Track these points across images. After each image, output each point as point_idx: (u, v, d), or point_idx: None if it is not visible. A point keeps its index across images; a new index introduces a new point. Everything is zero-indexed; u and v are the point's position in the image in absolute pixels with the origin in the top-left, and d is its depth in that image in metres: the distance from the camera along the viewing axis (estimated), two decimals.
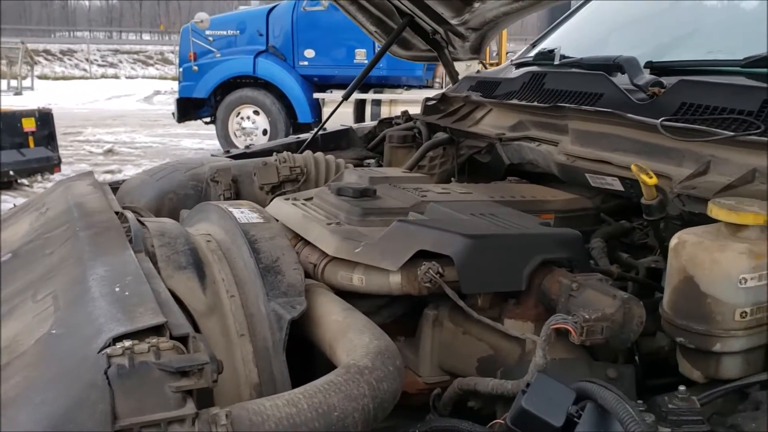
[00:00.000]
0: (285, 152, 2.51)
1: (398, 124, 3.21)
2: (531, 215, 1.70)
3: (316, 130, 3.12)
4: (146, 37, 32.43)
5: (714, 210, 1.33)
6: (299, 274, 1.47)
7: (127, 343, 1.02)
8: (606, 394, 1.04)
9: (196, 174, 2.40)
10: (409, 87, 11.29)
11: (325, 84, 11.33)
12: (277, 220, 1.86)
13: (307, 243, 1.73)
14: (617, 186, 2.01)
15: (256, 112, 11.41)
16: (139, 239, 1.49)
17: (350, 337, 1.28)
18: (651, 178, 1.52)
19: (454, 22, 3.02)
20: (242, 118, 11.45)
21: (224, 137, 11.48)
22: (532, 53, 3.23)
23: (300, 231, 1.73)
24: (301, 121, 11.30)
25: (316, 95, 11.31)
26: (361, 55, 11.06)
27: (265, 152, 2.96)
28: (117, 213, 1.68)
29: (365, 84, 11.14)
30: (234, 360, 1.36)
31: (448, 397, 1.50)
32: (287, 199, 1.96)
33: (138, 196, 2.34)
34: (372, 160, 2.99)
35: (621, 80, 2.22)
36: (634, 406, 1.02)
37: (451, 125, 2.72)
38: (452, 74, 3.36)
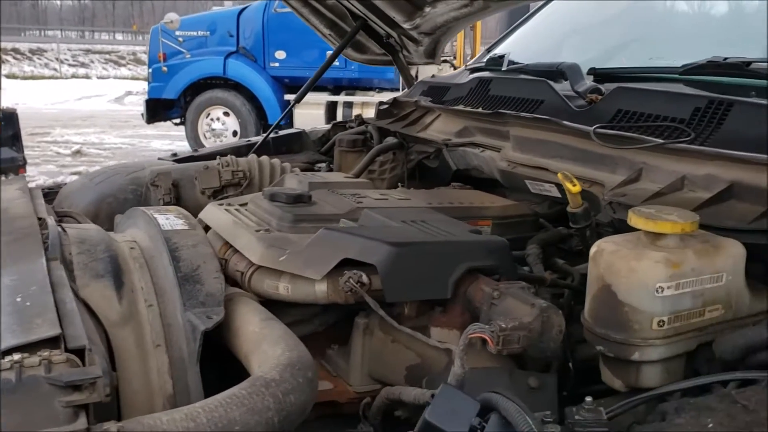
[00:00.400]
0: (229, 156, 2.48)
1: (352, 127, 3.19)
2: (462, 222, 1.69)
3: (267, 132, 3.09)
4: (119, 37, 32.14)
5: (633, 218, 1.33)
6: (219, 283, 1.44)
7: (17, 356, 0.99)
8: (508, 406, 1.03)
9: (137, 178, 2.36)
10: (381, 89, 11.27)
11: (297, 85, 11.18)
12: (209, 227, 1.84)
13: (236, 251, 1.70)
14: (554, 193, 2.00)
15: (226, 114, 11.33)
16: (56, 246, 1.45)
17: (264, 349, 1.26)
18: (575, 186, 1.52)
19: (406, 26, 3.00)
20: (212, 120, 11.36)
21: (194, 138, 11.38)
22: (486, 58, 3.24)
23: (229, 238, 1.71)
24: (271, 123, 11.21)
25: (287, 97, 11.24)
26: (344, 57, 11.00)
27: (214, 155, 2.92)
28: (39, 219, 1.64)
29: (337, 86, 11.14)
30: (148, 371, 1.33)
31: (377, 406, 1.48)
32: (221, 204, 1.93)
33: (76, 201, 2.30)
34: (323, 164, 2.96)
35: (563, 87, 2.22)
36: (536, 418, 1.01)
37: (401, 130, 2.70)
38: (407, 78, 3.36)
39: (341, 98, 11.03)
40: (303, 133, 3.22)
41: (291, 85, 11.25)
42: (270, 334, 1.31)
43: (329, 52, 10.85)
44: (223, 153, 2.92)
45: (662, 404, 1.12)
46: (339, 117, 10.86)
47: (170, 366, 1.34)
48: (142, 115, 11.61)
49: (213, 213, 1.85)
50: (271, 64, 11.25)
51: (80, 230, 1.58)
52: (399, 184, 2.48)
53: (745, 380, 1.20)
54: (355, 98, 11.00)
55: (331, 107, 11.02)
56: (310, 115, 11.06)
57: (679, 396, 1.24)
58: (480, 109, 2.34)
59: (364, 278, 1.41)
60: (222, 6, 14.92)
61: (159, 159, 2.88)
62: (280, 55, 11.23)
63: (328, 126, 3.30)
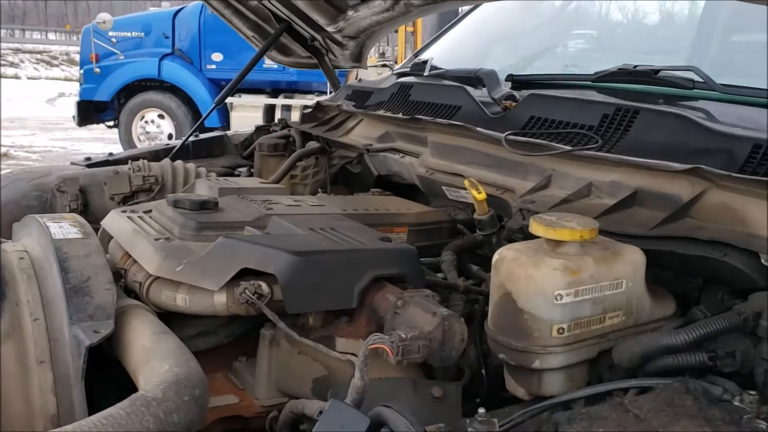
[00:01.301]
0: (141, 160, 2.40)
1: (275, 131, 3.13)
2: (372, 230, 1.66)
3: (186, 135, 3.01)
4: (52, 36, 31.20)
5: (534, 226, 1.32)
6: (110, 295, 1.37)
7: None
8: (398, 420, 1.00)
9: (41, 184, 2.26)
10: (320, 93, 11.20)
11: None
12: (111, 235, 1.76)
13: (136, 260, 1.63)
14: (470, 199, 1.99)
15: (161, 116, 11.11)
16: None
17: (152, 365, 1.20)
18: (480, 193, 1.50)
19: (330, 29, 2.96)
20: (147, 122, 11.13)
21: (128, 142, 11.13)
22: (412, 63, 3.23)
23: (127, 247, 1.64)
24: (207, 126, 11.04)
25: None
26: (270, 60, 10.89)
27: (129, 159, 2.83)
28: None
29: (275, 89, 11.04)
30: (30, 389, 1.26)
31: (283, 420, 1.44)
32: (124, 211, 1.85)
33: None
34: (243, 169, 2.90)
35: (482, 93, 2.22)
36: None
37: (323, 134, 2.66)
38: (333, 82, 3.31)
39: (279, 101, 10.94)
40: (225, 137, 3.15)
41: None
42: (159, 348, 1.25)
43: None
44: (139, 157, 2.83)
45: (556, 414, 1.10)
46: (277, 119, 10.77)
47: (54, 384, 1.27)
48: (74, 117, 11.30)
49: (114, 220, 1.78)
50: (208, 66, 11.09)
51: None
52: (320, 189, 2.44)
53: (642, 388, 1.20)
54: (294, 101, 10.92)
55: (270, 110, 10.91)
56: (247, 118, 10.96)
57: (582, 405, 1.24)
58: (399, 115, 2.31)
59: (264, 288, 1.36)
60: (159, 7, 14.65)
61: (72, 164, 2.77)
62: (217, 57, 11.08)
63: (251, 129, 3.23)
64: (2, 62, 23.10)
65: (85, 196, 2.25)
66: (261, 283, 1.39)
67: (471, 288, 1.74)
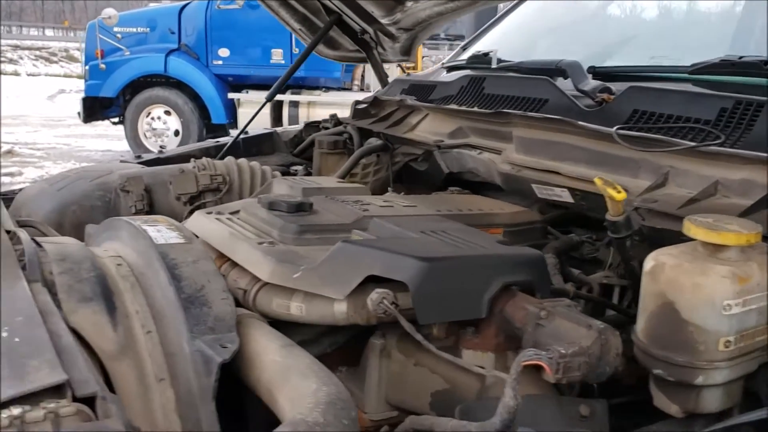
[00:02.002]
0: (204, 158, 2.29)
1: (326, 128, 3.02)
2: (483, 232, 1.56)
3: (237, 133, 2.90)
4: (49, 32, 30.90)
5: (692, 229, 1.22)
6: (229, 305, 1.27)
7: (16, 410, 0.80)
8: None
9: (104, 183, 2.14)
10: (328, 89, 11.11)
11: (241, 84, 11.00)
12: (198, 239, 1.65)
13: (235, 265, 1.53)
14: (566, 197, 1.89)
15: (167, 113, 10.96)
16: (35, 265, 1.26)
17: (294, 383, 1.10)
18: (619, 192, 1.40)
19: (384, 21, 2.86)
20: (153, 119, 10.99)
21: (133, 138, 11.00)
22: (464, 56, 3.12)
23: (227, 251, 1.53)
24: (215, 122, 10.95)
25: (231, 95, 10.97)
26: (277, 55, 10.80)
27: (181, 157, 2.72)
28: (8, 232, 1.43)
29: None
30: (152, 409, 1.15)
31: None
32: (209, 212, 1.74)
33: (35, 208, 2.07)
34: (299, 167, 2.79)
35: (564, 86, 2.12)
36: None
37: (384, 130, 2.55)
38: (381, 76, 3.21)
39: (287, 97, 10.80)
40: (274, 134, 3.04)
41: (234, 84, 10.99)
42: (296, 364, 1.15)
43: (275, 50, 10.61)
44: (190, 154, 2.73)
45: None
46: (285, 116, 10.65)
47: (176, 403, 1.16)
48: (79, 113, 11.14)
49: (203, 223, 1.67)
50: (214, 62, 10.95)
51: (58, 245, 1.38)
52: (389, 189, 2.33)
53: None
54: (301, 97, 10.80)
55: (277, 106, 10.78)
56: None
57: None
58: (476, 109, 2.20)
59: (398, 298, 1.26)
60: (159, 2, 14.48)
61: (121, 161, 2.66)
62: (224, 52, 10.94)
63: (300, 126, 3.13)
64: (2, 59, 22.87)
65: (149, 195, 2.14)
66: (388, 291, 1.28)
67: (580, 294, 1.65)
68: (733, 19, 2.62)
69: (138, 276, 1.36)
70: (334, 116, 2.96)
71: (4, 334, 0.97)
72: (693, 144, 1.57)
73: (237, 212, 1.78)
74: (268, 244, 1.49)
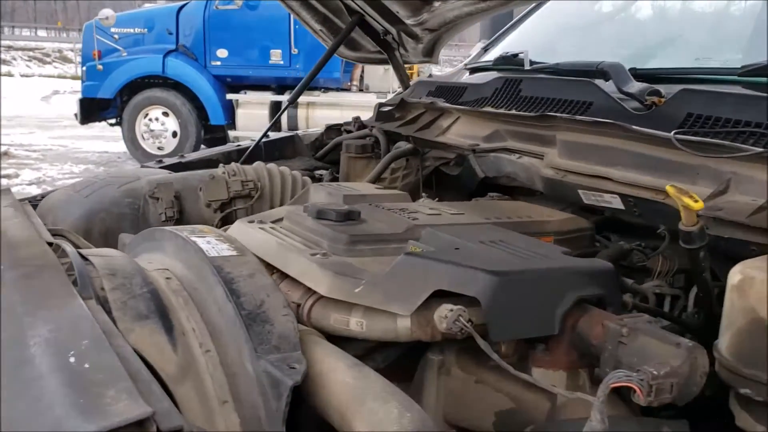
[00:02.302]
0: (233, 163, 2.22)
1: (348, 131, 2.96)
2: (545, 242, 1.50)
3: (260, 137, 2.83)
4: (42, 33, 30.68)
5: None
6: (291, 322, 1.20)
7: None
8: None
9: (132, 189, 2.07)
10: (327, 89, 11.04)
11: (239, 84, 10.95)
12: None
13: (284, 277, 1.46)
14: (616, 204, 1.83)
15: (165, 114, 10.88)
16: (86, 281, 1.19)
17: (371, 407, 1.03)
18: (696, 201, 1.34)
19: (409, 22, 2.79)
20: (150, 120, 10.90)
21: (131, 140, 10.91)
22: (487, 57, 3.06)
23: (276, 263, 1.46)
24: (213, 123, 10.88)
25: (229, 96, 10.90)
26: (276, 56, 10.74)
27: (203, 162, 2.66)
28: (50, 244, 1.36)
29: (281, 86, 10.83)
30: None
31: None
32: (251, 221, 1.68)
33: (62, 216, 2.00)
34: (324, 171, 2.73)
35: (606, 88, 2.06)
36: None
37: (414, 134, 2.49)
38: (403, 78, 3.14)
39: (285, 98, 10.72)
40: (296, 137, 2.97)
41: (233, 84, 10.93)
42: (370, 386, 1.08)
43: (273, 51, 10.51)
44: (212, 159, 2.66)
45: None
46: (283, 117, 10.57)
47: (242, 427, 1.09)
48: (76, 115, 11.04)
49: (248, 233, 1.60)
50: (213, 63, 10.87)
51: (106, 258, 1.31)
52: (423, 195, 2.27)
53: None
54: (300, 98, 10.70)
55: (276, 107, 10.72)
56: (253, 115, 10.77)
57: None
58: (516, 112, 2.14)
59: (469, 314, 1.19)
60: (154, 3, 14.36)
61: (143, 167, 2.59)
62: (222, 53, 10.86)
63: (321, 129, 3.06)
64: None
65: (179, 202, 2.07)
66: (462, 308, 1.21)
67: (639, 305, 1.58)
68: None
69: (190, 291, 1.29)
70: (357, 119, 2.90)
71: (71, 359, 0.90)
72: (759, 149, 1.51)
73: (279, 220, 1.72)
74: (322, 256, 1.42)
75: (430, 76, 3.15)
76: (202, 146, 11.23)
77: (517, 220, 1.73)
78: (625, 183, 1.77)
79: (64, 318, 1.05)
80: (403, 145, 2.49)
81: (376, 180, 2.41)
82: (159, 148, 10.83)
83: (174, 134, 10.87)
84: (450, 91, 2.60)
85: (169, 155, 10.83)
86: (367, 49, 3.13)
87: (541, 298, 1.25)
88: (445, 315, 1.18)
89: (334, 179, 2.64)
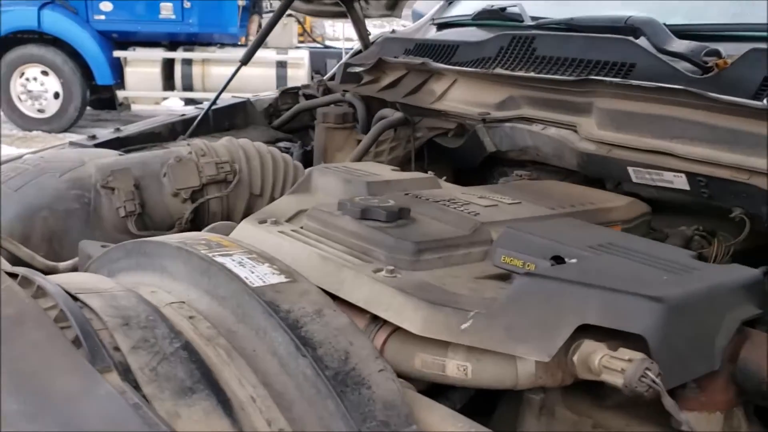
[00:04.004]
0: (198, 140, 1.80)
1: (309, 95, 2.57)
2: (663, 244, 1.22)
3: (209, 104, 2.39)
4: None
5: None
6: (392, 380, 0.86)
7: None
8: None
9: (78, 178, 1.62)
10: (223, 45, 10.37)
11: (126, 41, 10.07)
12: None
13: (333, 298, 1.10)
14: (679, 184, 1.57)
15: (44, 73, 9.90)
16: (94, 339, 0.80)
17: None
18: None
19: None
20: (28, 80, 9.90)
21: (6, 102, 9.89)
22: (454, 11, 2.74)
23: (327, 284, 1.10)
24: (100, 83, 9.99)
25: (116, 54, 10.01)
26: (167, 10, 9.93)
27: (144, 135, 2.22)
28: (12, 275, 0.94)
29: (173, 42, 10.08)
30: None
31: None
32: (261, 221, 1.30)
33: None
34: (287, 143, 2.34)
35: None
36: None
37: (402, 100, 2.14)
38: (363, 35, 2.76)
39: (179, 55, 10.00)
40: (248, 103, 2.55)
41: (120, 41, 10.03)
42: None
43: (164, 4, 9.74)
44: (154, 132, 2.22)
45: None
46: (177, 75, 9.87)
47: None
48: None
49: (267, 240, 1.22)
50: (96, 17, 9.92)
51: (99, 296, 0.91)
52: (430, 172, 1.93)
53: None
54: (195, 55, 10.03)
55: (168, 65, 9.98)
56: (144, 74, 9.97)
57: None
58: (545, 75, 1.83)
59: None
60: None
61: (70, 143, 2.11)
62: (106, 6, 9.93)
63: (275, 93, 2.65)
64: None
65: (140, 192, 1.65)
66: (650, 359, 0.89)
67: None
68: None
69: (228, 337, 0.92)
70: (321, 82, 2.51)
71: None
72: None
73: (292, 218, 1.35)
74: (388, 274, 1.07)
75: (393, 32, 2.77)
76: (89, 108, 10.39)
77: (582, 209, 1.43)
78: (693, 160, 1.52)
79: (83, 414, 0.67)
80: (388, 114, 2.14)
81: (364, 154, 2.06)
82: (39, 111, 9.91)
83: (56, 95, 9.94)
84: (435, 50, 2.26)
85: (52, 118, 9.98)
86: (322, 1, 2.73)
87: (704, 327, 0.97)
88: (603, 363, 0.87)
89: (305, 153, 2.26)
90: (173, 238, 1.11)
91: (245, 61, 2.58)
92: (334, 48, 11.38)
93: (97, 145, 2.07)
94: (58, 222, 1.54)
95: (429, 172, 1.90)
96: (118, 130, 2.19)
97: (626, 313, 0.91)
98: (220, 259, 1.00)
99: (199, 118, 2.33)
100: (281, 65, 9.95)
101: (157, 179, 1.68)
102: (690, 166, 1.52)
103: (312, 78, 9.60)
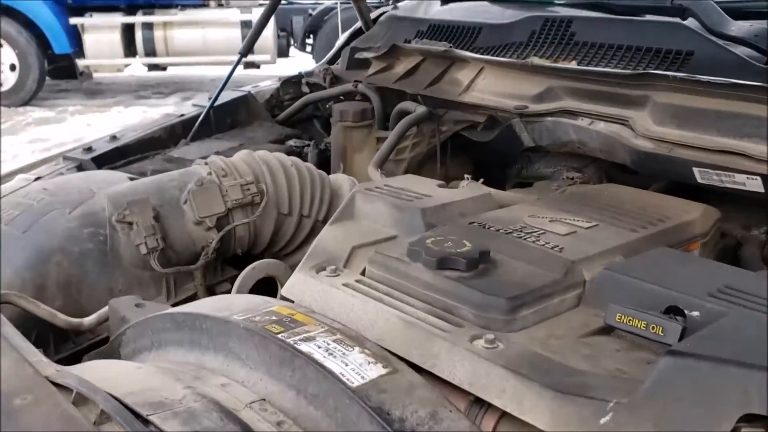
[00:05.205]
0: (216, 157, 1.62)
1: (313, 84, 2.38)
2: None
3: (209, 104, 2.19)
4: None
5: None
6: None
7: None
8: None
9: (90, 213, 1.44)
10: (184, 7, 9.95)
11: (82, 6, 9.60)
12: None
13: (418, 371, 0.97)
14: (753, 186, 1.45)
15: None
16: None
17: None
18: None
19: None
20: None
21: None
22: None
23: (416, 357, 0.96)
24: (58, 53, 9.54)
25: (72, 20, 9.54)
26: None
27: (144, 143, 2.05)
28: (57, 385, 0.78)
29: (131, 5, 9.64)
30: None
31: None
32: (320, 269, 1.14)
33: None
34: (299, 141, 2.17)
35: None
36: None
37: (424, 92, 1.98)
38: (363, 13, 2.55)
39: (138, 19, 9.58)
40: (249, 96, 2.35)
41: (75, 7, 9.56)
42: None
43: None
44: (154, 137, 2.04)
45: None
46: (138, 41, 9.47)
47: None
48: None
49: (333, 299, 1.07)
50: None
51: (180, 414, 0.76)
52: (467, 177, 1.78)
53: None
54: (155, 18, 9.63)
55: (128, 30, 9.57)
56: (103, 40, 9.55)
57: None
58: (598, 68, 1.68)
59: None
60: None
61: (64, 158, 1.92)
62: None
63: (274, 84, 2.45)
64: None
65: (160, 225, 1.48)
66: None
67: None
68: None
69: None
70: (327, 70, 2.32)
71: None
72: None
73: (349, 259, 1.20)
74: (488, 344, 0.93)
75: (395, 7, 2.55)
76: (48, 79, 9.95)
77: (663, 227, 1.30)
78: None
79: None
80: (410, 108, 1.98)
81: (388, 156, 1.90)
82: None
83: (12, 67, 9.48)
84: (454, 33, 2.10)
85: (10, 92, 9.52)
86: None
87: None
88: None
89: (321, 153, 2.10)
90: (234, 307, 0.96)
91: (245, 52, 2.37)
92: (300, 3, 11.03)
93: (94, 159, 1.89)
94: (73, 266, 1.37)
95: (466, 176, 1.76)
96: (114, 138, 2.00)
97: None
98: (304, 348, 0.86)
99: (201, 118, 2.15)
100: (246, 25, 9.55)
101: (177, 207, 1.51)
102: (763, 167, 1.40)
103: (278, 36, 9.20)
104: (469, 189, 1.46)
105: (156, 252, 1.44)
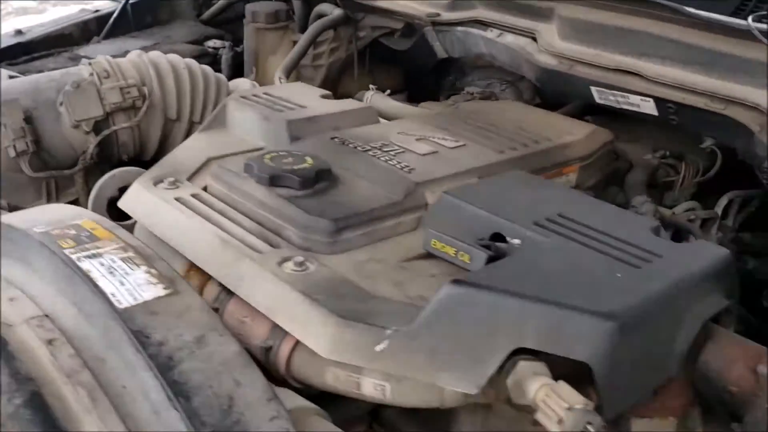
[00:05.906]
0: (102, 58, 1.55)
1: None
2: (623, 210, 1.05)
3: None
4: None
5: None
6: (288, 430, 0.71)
7: None
8: None
9: None
10: None
11: None
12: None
13: (231, 292, 0.94)
14: (647, 108, 1.39)
15: None
16: None
17: None
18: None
19: None
20: None
21: None
22: None
23: (224, 277, 0.93)
24: None
25: None
26: None
27: (52, 39, 1.96)
28: None
29: None
30: None
31: None
32: (157, 181, 1.10)
33: None
34: (217, 42, 2.09)
35: None
36: None
37: None
38: None
39: None
40: None
41: None
42: None
43: None
44: (64, 33, 1.96)
45: None
46: None
47: None
48: None
49: (160, 213, 1.04)
50: None
51: None
52: (372, 87, 1.71)
53: None
54: None
55: None
56: None
57: None
58: None
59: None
60: None
61: None
62: None
63: None
64: None
65: (33, 126, 1.43)
66: (593, 412, 0.74)
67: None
68: None
69: (95, 367, 0.76)
70: None
71: None
72: None
73: (194, 174, 1.16)
74: (297, 267, 0.90)
75: None
76: None
77: (535, 149, 1.25)
78: (663, 83, 1.33)
79: None
80: (327, 10, 1.89)
81: (299, 60, 1.83)
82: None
83: None
84: None
85: None
86: None
87: (662, 336, 0.82)
88: (539, 398, 0.73)
89: (237, 56, 2.02)
90: (45, 217, 0.93)
91: None
92: None
93: None
94: None
95: (371, 87, 1.70)
96: (19, 32, 1.92)
97: (569, 337, 0.76)
98: (86, 264, 0.83)
99: (115, 14, 2.06)
100: None
101: (53, 109, 1.46)
102: (659, 90, 1.34)
103: None
104: (348, 102, 1.40)
105: (26, 155, 1.40)
